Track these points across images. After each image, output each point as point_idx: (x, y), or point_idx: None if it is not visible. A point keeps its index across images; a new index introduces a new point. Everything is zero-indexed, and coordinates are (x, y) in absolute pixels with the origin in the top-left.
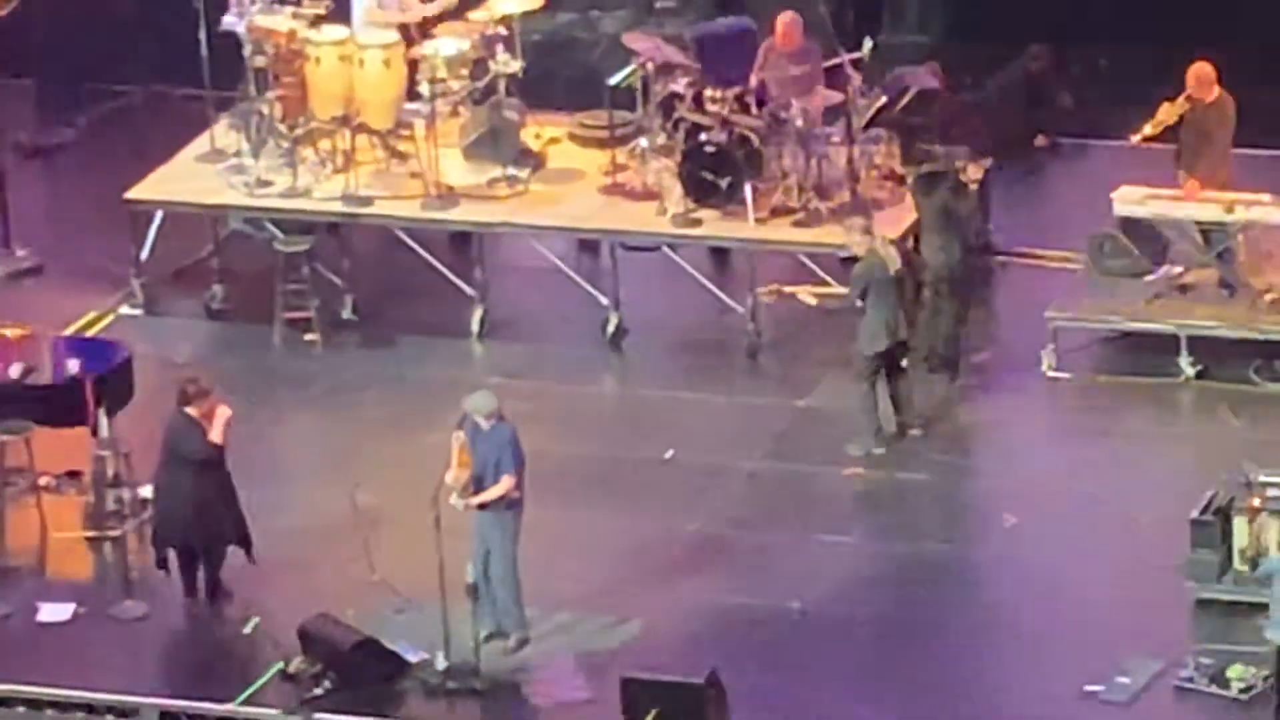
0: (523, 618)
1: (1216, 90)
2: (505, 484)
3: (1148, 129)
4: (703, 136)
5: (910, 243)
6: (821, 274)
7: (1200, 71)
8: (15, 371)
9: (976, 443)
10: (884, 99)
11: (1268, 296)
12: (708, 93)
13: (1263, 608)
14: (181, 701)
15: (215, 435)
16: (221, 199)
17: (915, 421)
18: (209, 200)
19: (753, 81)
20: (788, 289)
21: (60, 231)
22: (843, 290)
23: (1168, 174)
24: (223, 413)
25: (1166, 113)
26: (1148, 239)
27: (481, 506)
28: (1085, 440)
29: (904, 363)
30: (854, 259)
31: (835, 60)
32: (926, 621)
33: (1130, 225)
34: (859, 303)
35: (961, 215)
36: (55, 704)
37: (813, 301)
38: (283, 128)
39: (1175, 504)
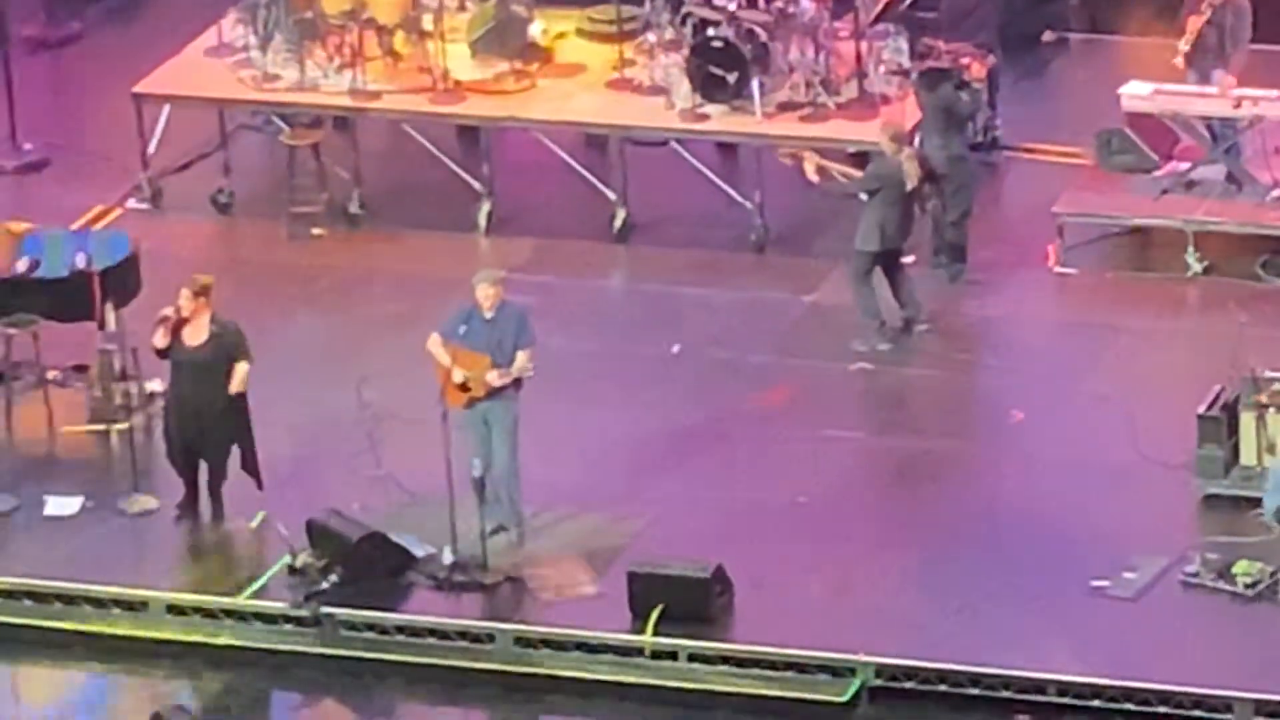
0: (520, 512)
1: None
2: (526, 356)
3: (1184, 45)
4: (710, 31)
5: (917, 140)
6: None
7: None
8: (22, 265)
9: (983, 338)
10: None
11: (1274, 192)
12: None
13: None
14: (189, 595)
15: (235, 386)
16: (229, 93)
17: (920, 317)
18: (217, 94)
19: None
20: (802, 153)
21: (67, 125)
22: (855, 174)
23: (1175, 70)
24: (240, 368)
25: (1194, 25)
26: (1155, 134)
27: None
28: (1092, 336)
29: (903, 259)
30: (864, 154)
31: None
32: (932, 517)
33: (1137, 120)
34: (863, 196)
35: (964, 113)
36: (61, 597)
37: (814, 177)
38: (291, 21)
39: (1182, 399)
